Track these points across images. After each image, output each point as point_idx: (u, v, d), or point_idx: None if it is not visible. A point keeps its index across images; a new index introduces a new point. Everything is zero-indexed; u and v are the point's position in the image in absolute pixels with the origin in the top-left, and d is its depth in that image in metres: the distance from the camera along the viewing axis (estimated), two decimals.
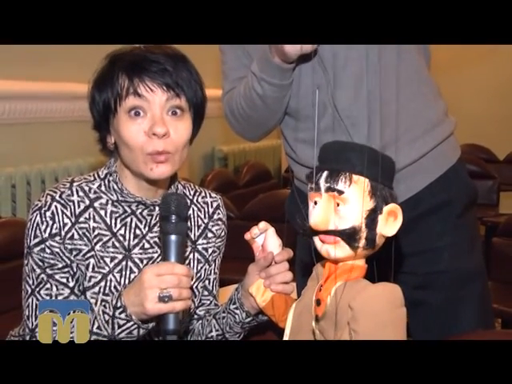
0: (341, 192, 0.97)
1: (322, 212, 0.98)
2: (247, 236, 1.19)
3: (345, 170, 0.97)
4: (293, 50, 1.23)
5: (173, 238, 1.07)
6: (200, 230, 1.30)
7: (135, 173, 1.18)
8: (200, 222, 1.30)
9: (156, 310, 1.05)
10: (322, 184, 0.99)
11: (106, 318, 1.09)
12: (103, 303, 1.13)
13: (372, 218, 0.97)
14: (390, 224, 0.98)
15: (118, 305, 1.08)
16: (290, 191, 1.58)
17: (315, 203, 1.00)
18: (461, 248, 1.39)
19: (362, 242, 0.98)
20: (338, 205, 0.98)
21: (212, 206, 1.32)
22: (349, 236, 0.97)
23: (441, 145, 1.38)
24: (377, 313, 0.94)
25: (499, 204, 4.22)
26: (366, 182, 0.98)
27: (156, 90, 1.14)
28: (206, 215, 1.31)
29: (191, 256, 1.28)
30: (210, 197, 1.33)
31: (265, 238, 1.19)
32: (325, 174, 0.99)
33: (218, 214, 1.33)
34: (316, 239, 1.02)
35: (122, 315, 1.08)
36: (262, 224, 1.19)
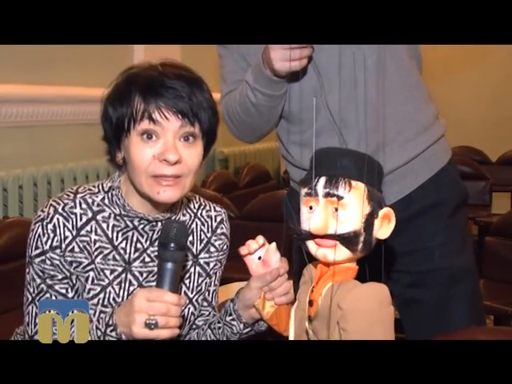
0: (340, 197, 0.98)
1: (321, 217, 0.99)
2: (244, 251, 1.16)
3: (344, 176, 0.99)
4: (282, 67, 1.25)
5: (169, 265, 1.07)
6: (202, 244, 1.29)
7: (140, 193, 1.17)
8: (203, 236, 1.29)
9: (141, 335, 1.04)
10: (320, 189, 1.00)
11: (99, 333, 1.10)
12: (98, 318, 1.13)
13: (370, 222, 0.99)
14: (384, 227, 1.00)
15: (110, 323, 1.08)
16: (287, 192, 1.61)
17: (310, 208, 1.01)
18: (452, 247, 1.41)
19: (360, 246, 1.00)
20: (336, 209, 0.99)
21: (216, 220, 1.31)
22: (349, 240, 0.99)
23: (432, 147, 1.41)
24: (366, 312, 0.96)
25: (492, 204, 4.24)
26: (364, 188, 0.99)
27: (171, 117, 1.12)
28: (210, 229, 1.30)
29: (192, 269, 1.27)
30: (215, 211, 1.32)
31: (267, 254, 1.17)
32: (322, 179, 1.00)
33: (222, 228, 1.32)
34: (311, 243, 1.02)
35: (113, 333, 1.08)
36: (261, 239, 1.17)
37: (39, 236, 1.16)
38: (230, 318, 1.24)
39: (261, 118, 1.41)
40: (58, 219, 1.16)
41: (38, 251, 1.16)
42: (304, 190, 1.03)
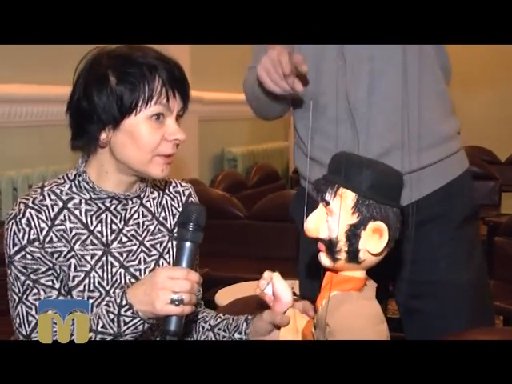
0: (328, 203, 0.98)
1: (312, 219, 0.99)
2: (257, 292, 1.15)
3: (333, 182, 0.97)
4: (274, 90, 1.25)
5: (187, 244, 1.09)
6: (176, 219, 1.30)
7: (135, 170, 1.19)
8: (174, 210, 1.31)
9: (165, 311, 1.06)
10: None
11: (111, 316, 1.10)
12: (106, 302, 1.14)
13: (354, 233, 0.96)
14: (374, 241, 0.96)
15: (124, 303, 1.09)
16: (296, 192, 1.60)
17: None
18: (458, 259, 1.39)
19: (343, 256, 0.97)
20: (328, 215, 0.98)
21: (184, 195, 1.34)
22: (328, 247, 0.98)
23: (447, 158, 1.38)
24: (353, 330, 0.94)
25: (501, 204, 4.25)
26: (353, 197, 0.96)
27: (179, 101, 1.19)
28: (180, 204, 1.32)
29: (169, 245, 1.28)
30: (181, 186, 1.35)
31: (272, 285, 1.14)
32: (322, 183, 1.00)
33: (192, 201, 1.34)
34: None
35: (128, 313, 1.09)
36: (267, 273, 1.15)
37: (15, 233, 1.15)
38: (239, 336, 1.26)
39: (270, 107, 1.43)
40: (30, 213, 1.16)
41: (16, 248, 1.15)
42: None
